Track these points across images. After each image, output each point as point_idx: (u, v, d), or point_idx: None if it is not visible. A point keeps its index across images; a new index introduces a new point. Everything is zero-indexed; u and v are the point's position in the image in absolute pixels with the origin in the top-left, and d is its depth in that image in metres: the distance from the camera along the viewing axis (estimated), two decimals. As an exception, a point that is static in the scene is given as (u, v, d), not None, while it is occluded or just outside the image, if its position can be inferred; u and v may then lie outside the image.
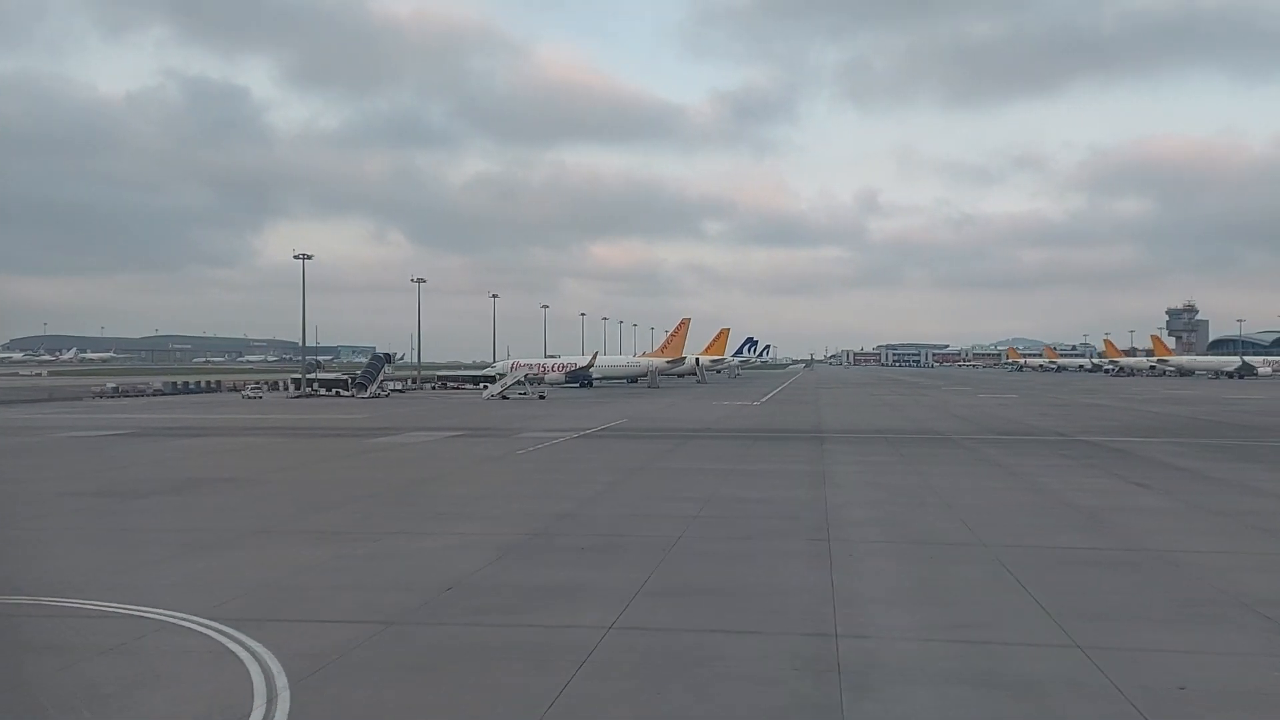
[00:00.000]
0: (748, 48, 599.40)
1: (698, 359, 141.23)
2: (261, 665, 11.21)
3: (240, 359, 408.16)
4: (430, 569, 16.35)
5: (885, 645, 11.89)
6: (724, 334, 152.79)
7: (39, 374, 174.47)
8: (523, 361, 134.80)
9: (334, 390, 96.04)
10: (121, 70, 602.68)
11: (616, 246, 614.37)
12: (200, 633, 12.59)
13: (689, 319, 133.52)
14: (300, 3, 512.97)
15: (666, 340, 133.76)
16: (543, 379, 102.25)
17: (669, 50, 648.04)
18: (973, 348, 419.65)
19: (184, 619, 13.16)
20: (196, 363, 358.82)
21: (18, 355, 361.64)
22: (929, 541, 18.78)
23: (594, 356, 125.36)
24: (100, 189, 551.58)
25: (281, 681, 10.68)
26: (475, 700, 10.32)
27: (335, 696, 10.39)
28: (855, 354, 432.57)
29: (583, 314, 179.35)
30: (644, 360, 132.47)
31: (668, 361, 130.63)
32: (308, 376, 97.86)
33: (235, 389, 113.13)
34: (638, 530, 20.08)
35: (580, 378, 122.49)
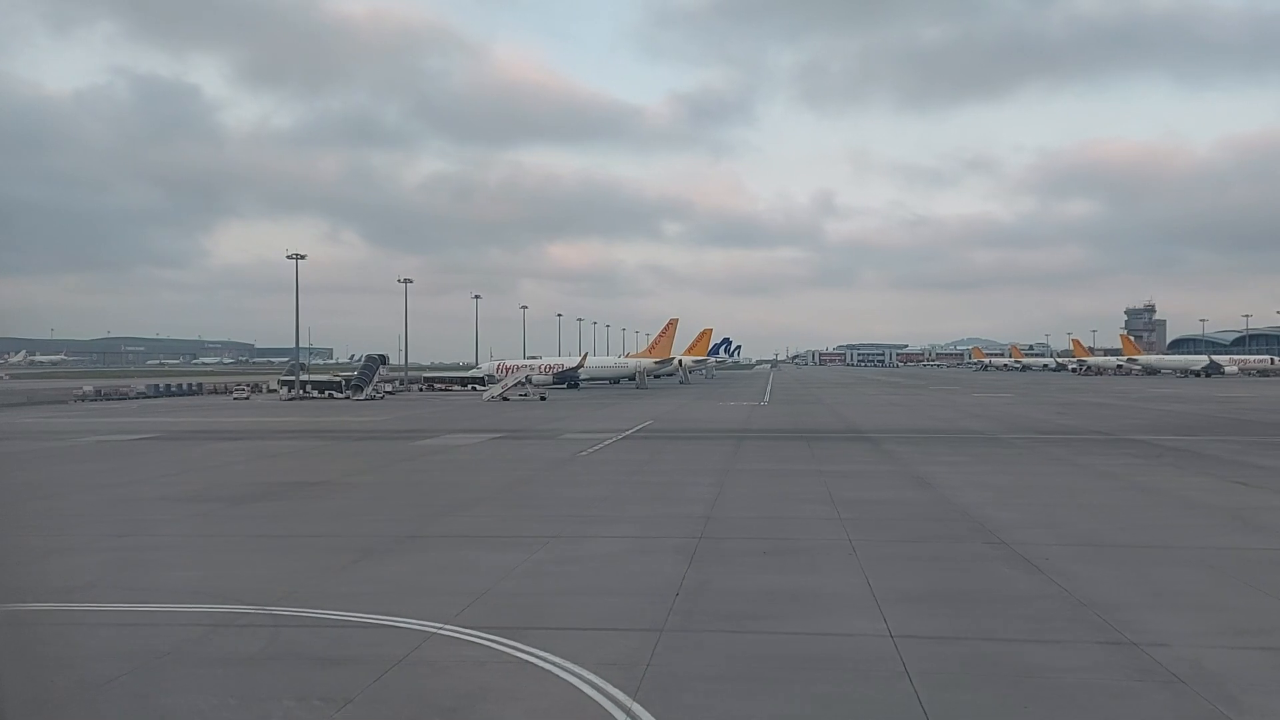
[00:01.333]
0: (704, 50, 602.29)
1: (680, 360, 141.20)
2: (579, 676, 10.84)
3: (195, 361, 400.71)
4: (638, 574, 16.05)
5: (1206, 654, 11.65)
6: (706, 334, 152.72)
7: (1, 377, 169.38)
8: (508, 363, 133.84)
9: (326, 392, 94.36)
10: (70, 68, 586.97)
11: (574, 247, 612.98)
12: (476, 642, 12.16)
13: (677, 319, 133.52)
14: (252, 1, 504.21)
15: (654, 341, 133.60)
16: (530, 380, 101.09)
17: (625, 52, 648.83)
18: (933, 347, 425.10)
19: (441, 628, 12.79)
20: (150, 365, 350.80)
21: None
22: (1108, 544, 18.72)
23: (584, 357, 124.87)
24: (47, 188, 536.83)
25: (619, 694, 10.31)
26: (851, 711, 10.06)
27: (693, 707, 10.05)
28: (821, 354, 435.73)
29: (559, 315, 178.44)
30: (631, 361, 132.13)
31: (656, 362, 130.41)
32: (299, 379, 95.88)
33: (216, 391, 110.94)
34: (799, 533, 19.81)
35: (568, 379, 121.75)
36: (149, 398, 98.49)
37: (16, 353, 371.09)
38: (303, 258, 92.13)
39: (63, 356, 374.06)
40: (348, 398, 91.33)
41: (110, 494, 26.63)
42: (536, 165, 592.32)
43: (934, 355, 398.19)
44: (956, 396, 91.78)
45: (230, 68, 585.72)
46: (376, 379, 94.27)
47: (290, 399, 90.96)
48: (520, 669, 11.25)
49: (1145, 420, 54.49)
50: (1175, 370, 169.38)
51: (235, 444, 42.78)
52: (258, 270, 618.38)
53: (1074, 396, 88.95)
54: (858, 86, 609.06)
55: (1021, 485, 27.08)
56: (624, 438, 43.89)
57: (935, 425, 51.43)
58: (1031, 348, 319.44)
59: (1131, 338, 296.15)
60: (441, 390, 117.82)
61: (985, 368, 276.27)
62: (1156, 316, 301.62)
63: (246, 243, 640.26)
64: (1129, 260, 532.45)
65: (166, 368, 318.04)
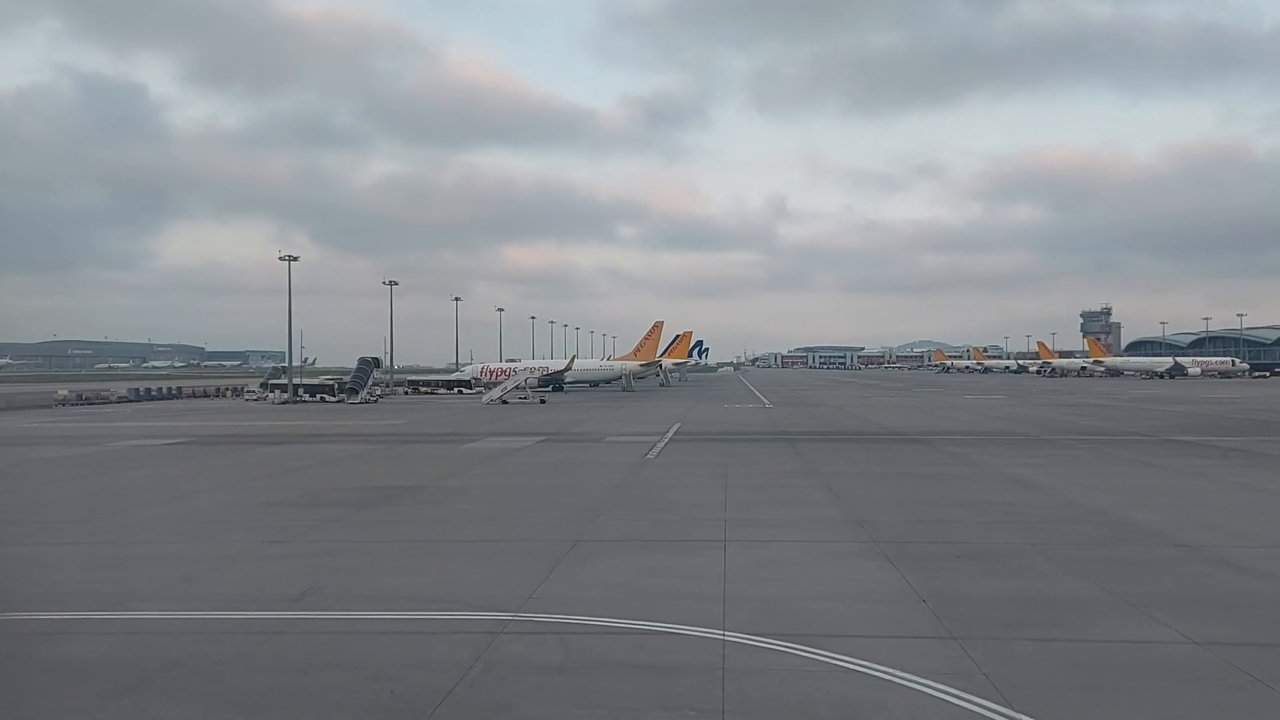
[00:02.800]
0: (657, 54, 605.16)
1: (661, 363, 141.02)
2: (930, 686, 10.57)
3: (144, 365, 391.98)
4: (857, 579, 15.92)
5: None
6: (686, 337, 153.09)
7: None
8: (490, 366, 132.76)
9: (318, 396, 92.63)
10: (11, 65, 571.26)
11: (529, 249, 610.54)
12: (779, 650, 11.87)
13: (662, 322, 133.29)
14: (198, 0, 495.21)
15: (640, 343, 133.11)
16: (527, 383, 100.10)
17: (580, 56, 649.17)
18: (891, 350, 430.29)
19: (726, 635, 12.47)
20: (99, 368, 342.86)
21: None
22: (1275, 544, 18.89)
23: (571, 360, 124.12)
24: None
25: (997, 706, 10.06)
26: None
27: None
28: (782, 356, 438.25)
29: (533, 318, 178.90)
30: (617, 364, 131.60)
31: (641, 365, 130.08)
32: (291, 383, 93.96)
33: (196, 395, 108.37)
34: (969, 537, 19.69)
35: (553, 381, 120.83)
36: (131, 401, 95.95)
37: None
38: (295, 259, 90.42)
39: (7, 360, 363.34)
40: (341, 401, 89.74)
41: (215, 499, 25.67)
42: (491, 167, 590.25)
43: (894, 357, 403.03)
44: (950, 398, 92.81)
45: (178, 67, 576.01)
46: (370, 382, 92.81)
47: (284, 402, 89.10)
48: (857, 679, 10.92)
49: (1165, 421, 55.39)
50: (1139, 372, 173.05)
51: (282, 448, 41.72)
52: (207, 272, 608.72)
53: (1066, 398, 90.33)
54: (809, 92, 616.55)
55: (1125, 486, 27.23)
56: (671, 440, 43.47)
57: (966, 427, 51.79)
58: (985, 350, 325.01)
59: (1086, 340, 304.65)
60: (427, 393, 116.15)
61: (947, 369, 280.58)
62: (1112, 319, 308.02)
63: (195, 244, 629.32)
64: (1074, 264, 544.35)
65: (116, 371, 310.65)
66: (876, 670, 11.14)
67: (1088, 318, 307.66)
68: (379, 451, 40.17)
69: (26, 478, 32.27)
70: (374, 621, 13.35)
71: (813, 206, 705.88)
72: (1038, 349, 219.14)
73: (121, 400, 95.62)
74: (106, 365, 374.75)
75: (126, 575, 16.52)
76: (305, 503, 25.13)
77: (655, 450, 38.54)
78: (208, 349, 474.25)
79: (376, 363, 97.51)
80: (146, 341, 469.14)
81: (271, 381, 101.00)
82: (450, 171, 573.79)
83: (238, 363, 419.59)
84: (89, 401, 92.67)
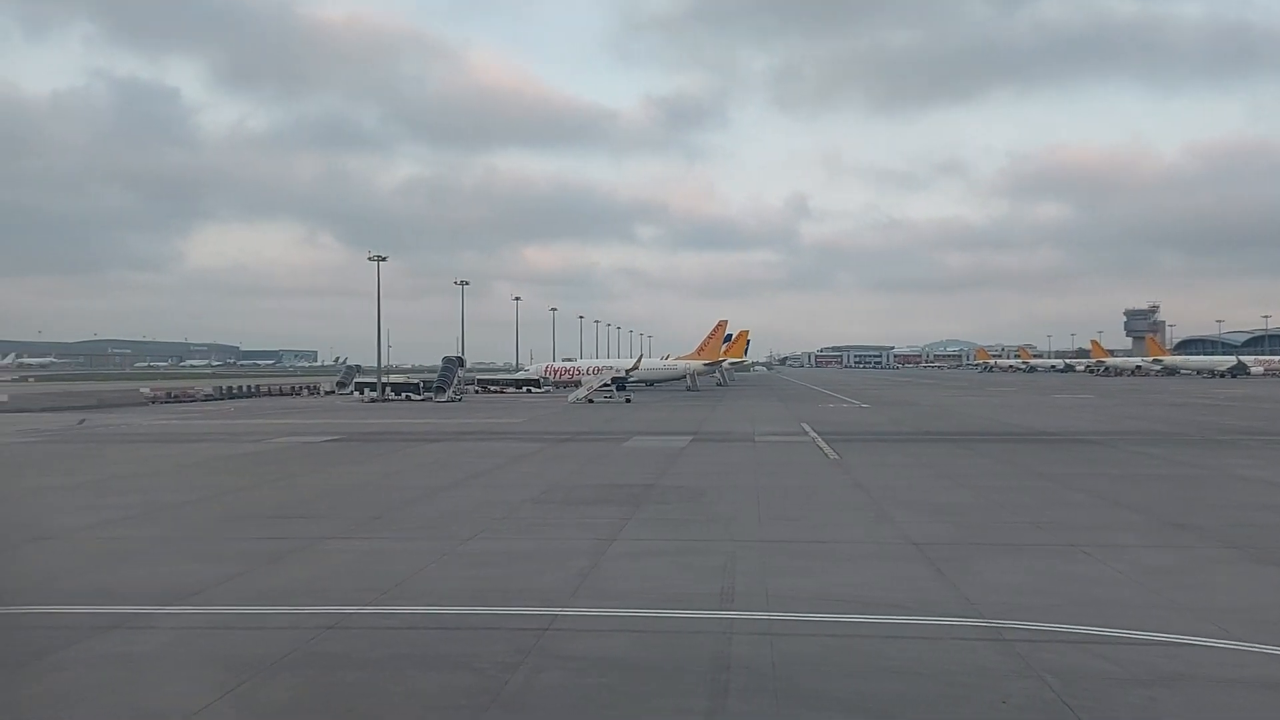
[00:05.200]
0: (677, 55, 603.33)
1: (722, 362, 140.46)
2: None
3: (182, 364, 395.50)
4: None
5: None
6: (743, 336, 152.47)
7: (27, 379, 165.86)
8: (554, 365, 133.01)
9: (403, 394, 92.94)
10: (46, 69, 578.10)
11: (549, 250, 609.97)
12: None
13: (725, 321, 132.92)
14: (229, 5, 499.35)
15: (703, 343, 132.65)
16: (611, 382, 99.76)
17: (600, 58, 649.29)
18: (927, 348, 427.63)
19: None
20: (138, 367, 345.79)
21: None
22: None
23: (639, 359, 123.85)
24: (25, 190, 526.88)
25: None
26: None
27: None
28: (816, 355, 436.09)
29: (580, 316, 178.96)
30: (681, 363, 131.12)
31: (705, 364, 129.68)
32: (381, 382, 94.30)
33: (269, 393, 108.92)
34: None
35: (618, 381, 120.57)
36: (218, 399, 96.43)
37: (5, 355, 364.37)
38: (384, 259, 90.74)
39: (51, 359, 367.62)
40: (427, 399, 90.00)
41: (468, 495, 25.41)
42: (511, 169, 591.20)
43: (931, 357, 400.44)
44: (1041, 397, 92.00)
45: (207, 71, 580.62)
46: (457, 381, 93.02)
47: (372, 400, 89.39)
48: None
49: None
50: (1198, 371, 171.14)
51: (447, 445, 41.77)
52: (236, 273, 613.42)
53: (1157, 397, 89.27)
54: (830, 90, 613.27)
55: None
56: (824, 439, 42.79)
57: (1114, 426, 51.13)
58: (1004, 349, 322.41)
59: (1129, 338, 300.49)
60: (496, 392, 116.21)
61: (989, 369, 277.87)
62: (1158, 317, 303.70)
63: (223, 245, 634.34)
64: (1099, 262, 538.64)
65: (155, 370, 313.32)
66: None
67: (1132, 315, 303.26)
68: (552, 450, 39.92)
69: (250, 474, 32.11)
70: (883, 625, 12.99)
71: (834, 205, 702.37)
72: (1090, 347, 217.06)
73: (208, 398, 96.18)
74: (146, 364, 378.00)
75: (532, 572, 16.32)
76: (563, 499, 24.94)
77: (829, 450, 38.01)
78: (242, 347, 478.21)
79: (461, 362, 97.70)
80: (183, 341, 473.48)
81: (357, 380, 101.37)
82: (472, 173, 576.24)
83: (271, 362, 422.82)
84: (178, 399, 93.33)
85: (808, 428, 50.46)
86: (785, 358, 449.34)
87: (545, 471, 32.00)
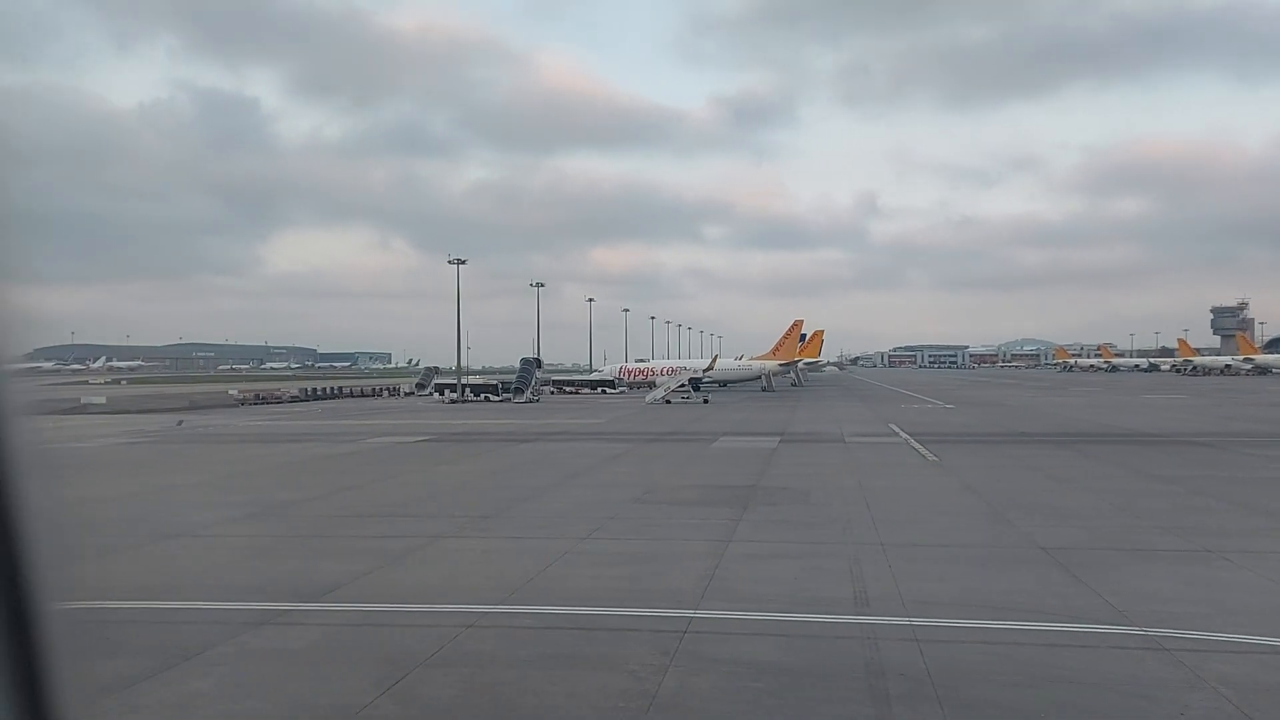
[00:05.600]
0: (744, 55, 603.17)
1: (797, 362, 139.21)
2: None
3: (263, 366, 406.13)
4: None
5: None
6: (818, 336, 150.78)
7: (119, 381, 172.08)
8: (628, 366, 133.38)
9: (483, 395, 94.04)
10: (134, 82, 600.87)
11: (616, 251, 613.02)
12: None
13: (801, 320, 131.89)
14: (305, 15, 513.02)
15: (778, 343, 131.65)
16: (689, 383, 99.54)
17: (666, 60, 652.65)
18: (1003, 347, 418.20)
19: None
20: (221, 370, 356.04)
21: (48, 365, 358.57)
22: None
23: (714, 359, 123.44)
24: (114, 199, 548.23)
25: None
26: None
27: None
28: (889, 355, 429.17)
29: (652, 317, 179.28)
30: (756, 363, 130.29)
31: (780, 364, 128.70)
32: (461, 384, 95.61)
33: (351, 394, 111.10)
34: None
35: (694, 382, 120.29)
36: (304, 401, 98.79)
37: (97, 359, 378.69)
38: (463, 262, 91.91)
39: (139, 362, 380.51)
40: (506, 400, 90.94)
41: (574, 495, 25.46)
42: (579, 171, 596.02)
43: (1008, 356, 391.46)
44: (1130, 397, 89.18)
45: (285, 80, 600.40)
46: (535, 382, 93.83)
47: (453, 401, 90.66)
48: None
49: None
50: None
51: (537, 446, 42.05)
52: (312, 278, 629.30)
53: (1256, 397, 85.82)
54: (899, 87, 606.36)
55: None
56: (922, 442, 42.03)
57: (1234, 428, 49.23)
58: (1083, 348, 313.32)
59: (1216, 336, 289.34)
60: (571, 393, 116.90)
61: (1069, 368, 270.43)
62: (1247, 314, 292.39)
63: (300, 251, 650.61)
64: (1181, 258, 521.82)
65: (238, 372, 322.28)
66: None
67: (1219, 313, 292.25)
68: (642, 450, 39.89)
69: (354, 473, 32.72)
70: (1035, 633, 12.59)
71: (904, 203, 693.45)
72: (1175, 346, 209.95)
73: (293, 400, 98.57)
74: (229, 367, 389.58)
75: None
76: (667, 499, 24.88)
77: (925, 452, 37.30)
78: (319, 350, 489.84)
79: (538, 363, 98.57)
80: (264, 344, 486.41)
81: (437, 381, 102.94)
82: (540, 176, 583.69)
83: (347, 364, 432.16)
84: (265, 401, 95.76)
85: (896, 429, 49.66)
86: (856, 357, 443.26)
87: (641, 471, 32.00)
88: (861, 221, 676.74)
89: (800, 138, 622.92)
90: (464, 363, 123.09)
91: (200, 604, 14.70)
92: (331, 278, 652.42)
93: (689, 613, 13.64)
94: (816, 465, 33.52)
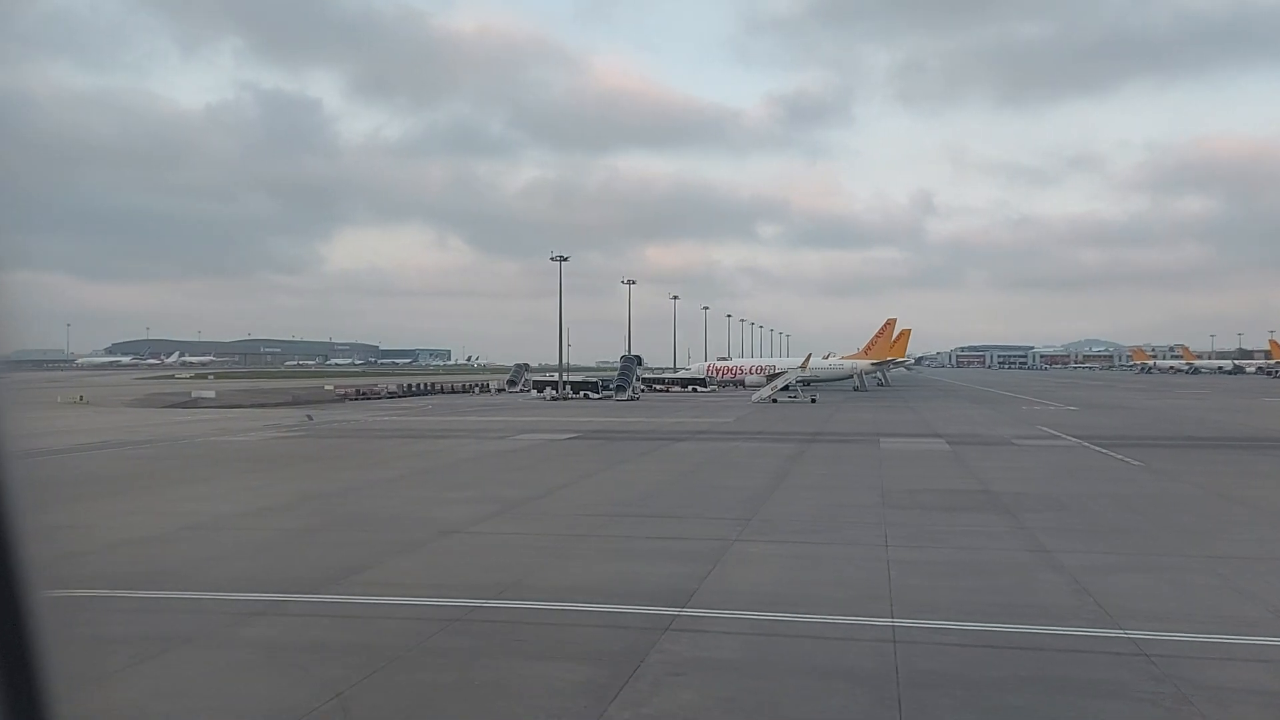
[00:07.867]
0: (798, 54, 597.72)
1: (888, 361, 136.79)
2: None
3: (328, 362, 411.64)
4: None
5: None
6: (906, 335, 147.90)
7: (207, 376, 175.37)
8: (717, 364, 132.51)
9: (581, 393, 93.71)
10: (201, 84, 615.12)
11: (670, 249, 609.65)
12: None
13: (894, 319, 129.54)
14: (364, 18, 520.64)
15: (870, 341, 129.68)
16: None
17: (721, 59, 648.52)
18: (1075, 348, 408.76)
19: None
20: (288, 365, 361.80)
21: (125, 360, 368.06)
22: None
23: (807, 358, 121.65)
24: (184, 199, 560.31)
25: None
26: None
27: None
28: (957, 355, 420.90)
29: (728, 315, 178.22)
30: (848, 362, 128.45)
31: (873, 364, 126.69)
32: (563, 380, 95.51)
33: (443, 390, 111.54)
34: None
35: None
36: (401, 397, 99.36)
37: (170, 354, 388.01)
38: (565, 259, 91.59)
39: (211, 357, 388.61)
40: (607, 398, 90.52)
41: (810, 499, 24.59)
42: (632, 170, 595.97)
43: (1080, 356, 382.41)
44: (1245, 399, 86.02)
45: (345, 81, 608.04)
46: (636, 380, 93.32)
47: (554, 399, 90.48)
48: None
49: None
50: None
51: (704, 444, 41.41)
52: (371, 275, 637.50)
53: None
54: (955, 85, 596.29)
55: None
56: (1108, 446, 39.92)
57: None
58: (1154, 349, 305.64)
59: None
60: (662, 391, 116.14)
61: (1148, 370, 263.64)
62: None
63: (360, 249, 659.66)
64: (1250, 258, 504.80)
65: (304, 368, 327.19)
66: None
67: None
68: (814, 451, 38.67)
69: (542, 468, 32.19)
70: None
71: (961, 202, 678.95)
72: (1269, 347, 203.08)
73: (391, 396, 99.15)
74: (295, 362, 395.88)
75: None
76: (913, 504, 23.67)
77: (1118, 456, 35.69)
78: (381, 346, 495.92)
79: (639, 361, 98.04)
80: (327, 340, 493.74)
81: (535, 379, 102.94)
82: (594, 175, 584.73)
83: (409, 360, 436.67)
84: (365, 397, 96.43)
85: (1053, 431, 48.08)
86: (921, 357, 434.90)
87: (842, 473, 30.99)
88: (918, 220, 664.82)
89: (855, 136, 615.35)
90: (526, 360, 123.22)
91: (560, 606, 13.88)
92: (389, 276, 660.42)
93: (1116, 633, 12.54)
94: (1019, 469, 32.18)
